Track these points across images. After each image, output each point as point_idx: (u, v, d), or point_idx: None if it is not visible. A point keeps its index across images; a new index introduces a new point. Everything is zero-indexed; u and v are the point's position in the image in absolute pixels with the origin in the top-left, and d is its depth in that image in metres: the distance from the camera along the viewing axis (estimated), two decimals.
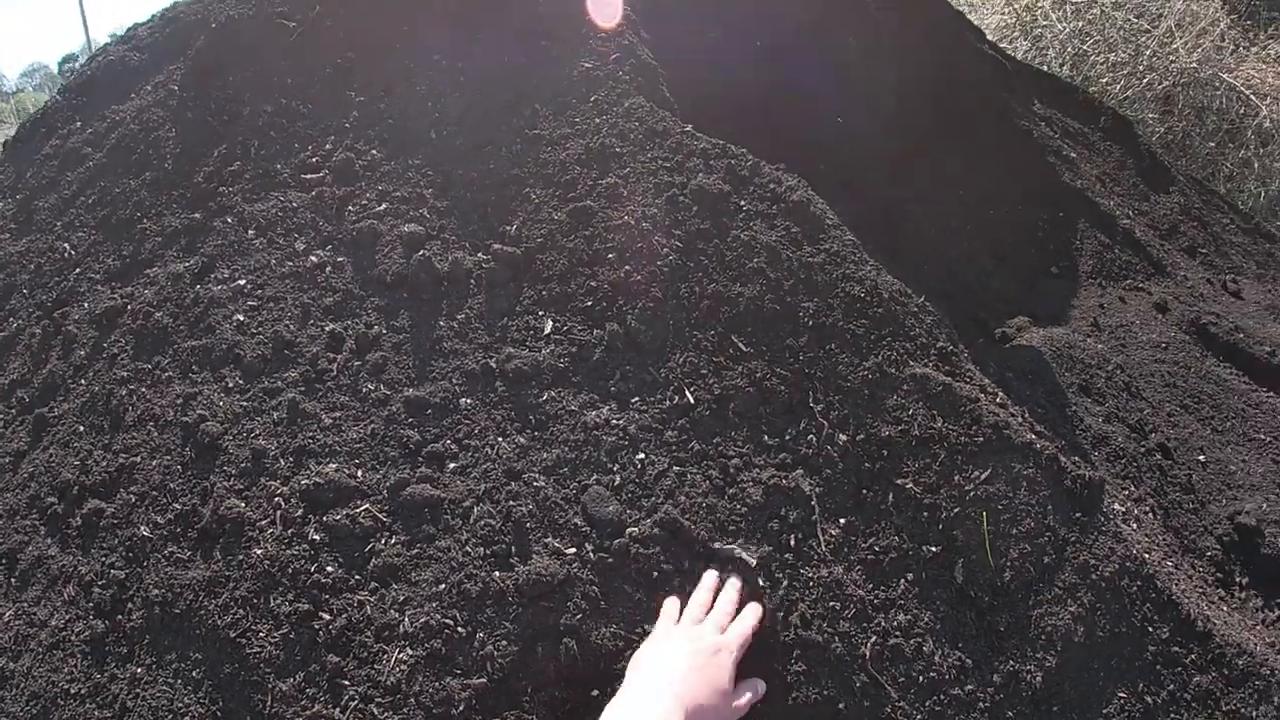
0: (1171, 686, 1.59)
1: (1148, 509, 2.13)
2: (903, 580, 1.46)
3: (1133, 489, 2.18)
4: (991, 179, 2.55)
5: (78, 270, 1.99)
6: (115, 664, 1.48)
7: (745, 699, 1.23)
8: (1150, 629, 1.63)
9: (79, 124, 2.39)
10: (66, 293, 1.97)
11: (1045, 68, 4.74)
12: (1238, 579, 1.99)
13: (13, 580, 1.70)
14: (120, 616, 1.50)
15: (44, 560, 1.66)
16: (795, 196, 1.71)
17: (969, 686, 1.42)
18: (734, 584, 1.34)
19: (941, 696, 1.39)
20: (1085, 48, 5.10)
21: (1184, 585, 1.84)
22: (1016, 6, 5.51)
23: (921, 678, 1.38)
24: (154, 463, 1.57)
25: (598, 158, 1.69)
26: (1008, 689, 1.44)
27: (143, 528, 1.53)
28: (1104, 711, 1.50)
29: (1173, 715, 1.58)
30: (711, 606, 1.30)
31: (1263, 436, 2.29)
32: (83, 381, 1.79)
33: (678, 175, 1.68)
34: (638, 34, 1.95)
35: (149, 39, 2.48)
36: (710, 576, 1.34)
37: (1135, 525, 1.95)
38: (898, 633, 1.41)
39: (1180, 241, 2.99)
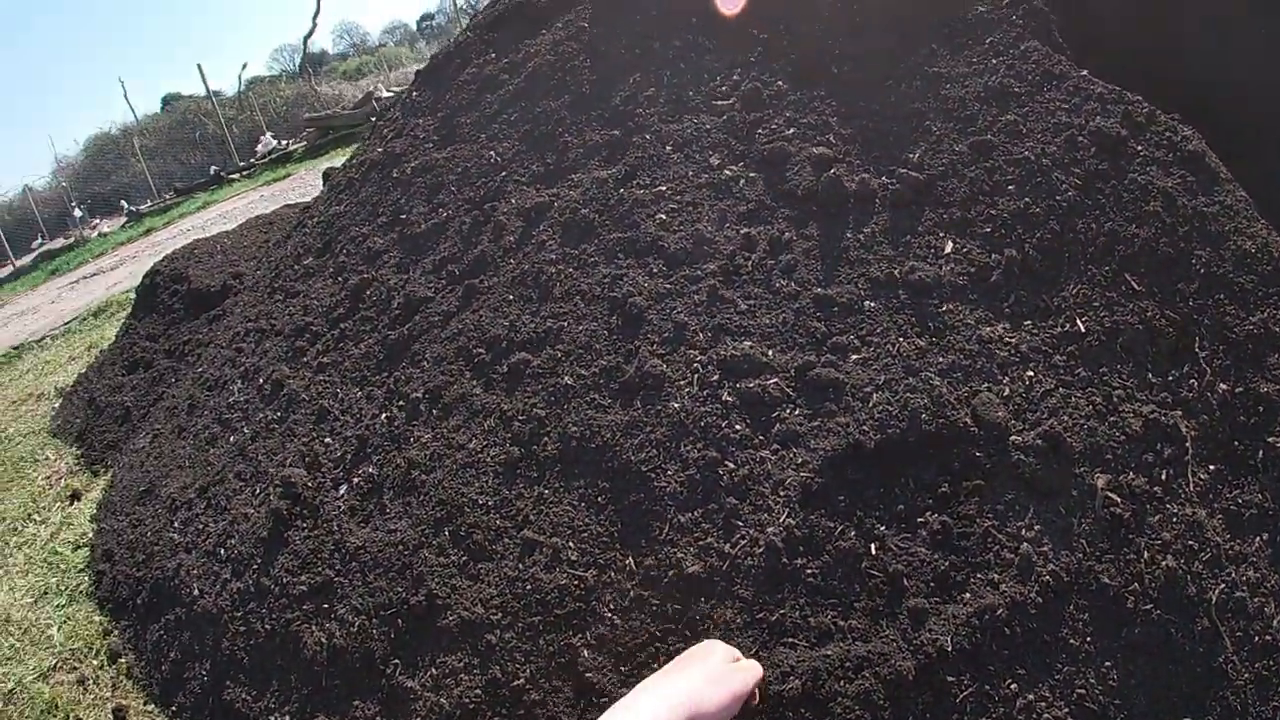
0: None
1: None
2: (1259, 538, 1.47)
3: None
4: None
5: (503, 174, 2.36)
6: (524, 485, 1.77)
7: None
8: None
9: (493, 55, 2.80)
10: (493, 191, 2.35)
11: None
12: None
13: (434, 411, 2.07)
14: (535, 447, 1.80)
15: (468, 397, 2.01)
16: (1191, 146, 1.72)
17: None
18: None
19: (1271, 663, 1.38)
20: None
21: None
22: None
23: (1257, 638, 1.39)
24: (580, 327, 1.88)
25: (997, 96, 1.79)
26: None
27: (566, 378, 1.83)
28: None
29: None
30: None
31: None
32: (512, 261, 2.14)
33: (1075, 117, 1.74)
34: None
35: None
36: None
37: None
38: (1244, 587, 1.42)
39: None
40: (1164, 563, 1.40)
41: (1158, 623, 1.37)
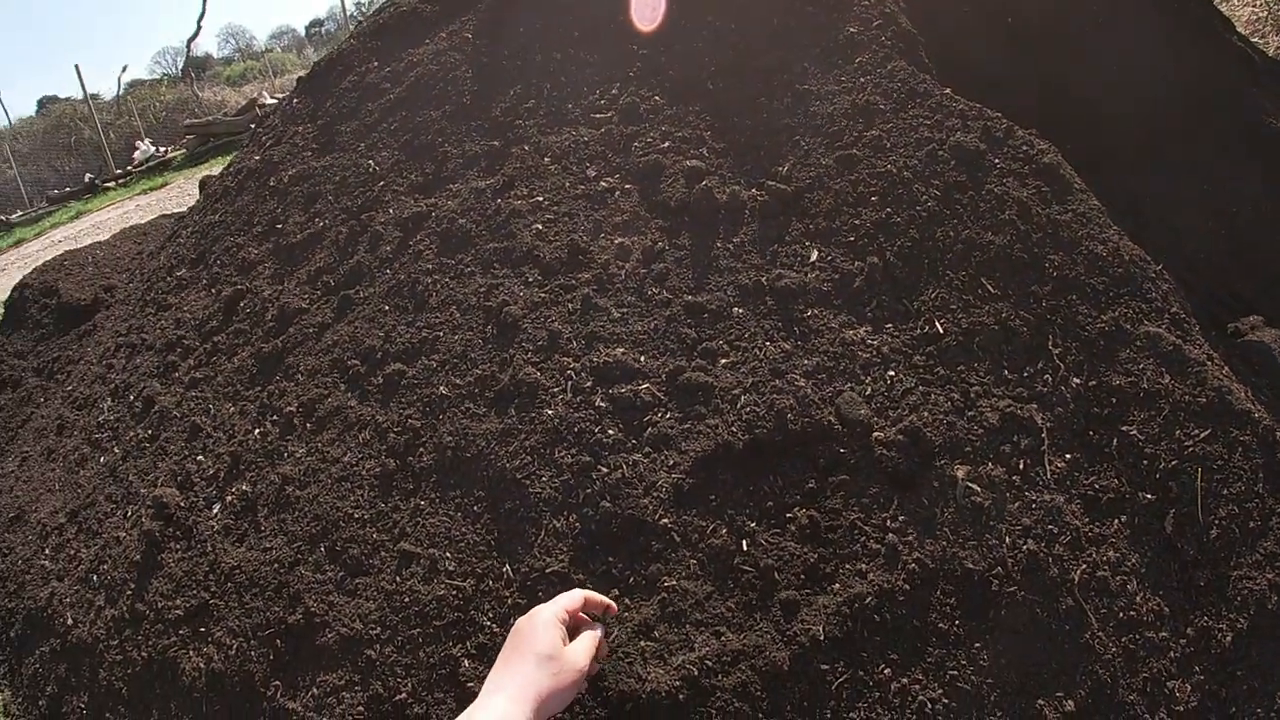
0: None
1: None
2: (1117, 520, 1.56)
3: None
4: (1237, 178, 2.54)
5: (382, 183, 2.32)
6: (400, 497, 1.76)
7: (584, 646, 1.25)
8: None
9: (376, 64, 2.75)
10: (371, 201, 2.31)
11: None
12: None
13: (308, 425, 2.02)
14: (411, 458, 1.78)
15: (342, 410, 1.97)
16: (1046, 159, 1.82)
17: (1163, 633, 1.50)
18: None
19: (1137, 636, 1.47)
20: None
21: None
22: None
23: (1122, 614, 1.48)
24: (455, 337, 1.86)
25: (863, 112, 1.86)
26: (1199, 643, 1.51)
27: (441, 388, 1.81)
28: None
29: None
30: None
31: None
32: (388, 271, 2.11)
33: (937, 132, 1.83)
34: (898, 3, 2.10)
35: None
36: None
37: None
38: (1106, 567, 1.51)
39: None
40: (1025, 546, 1.47)
41: (1023, 603, 1.44)
